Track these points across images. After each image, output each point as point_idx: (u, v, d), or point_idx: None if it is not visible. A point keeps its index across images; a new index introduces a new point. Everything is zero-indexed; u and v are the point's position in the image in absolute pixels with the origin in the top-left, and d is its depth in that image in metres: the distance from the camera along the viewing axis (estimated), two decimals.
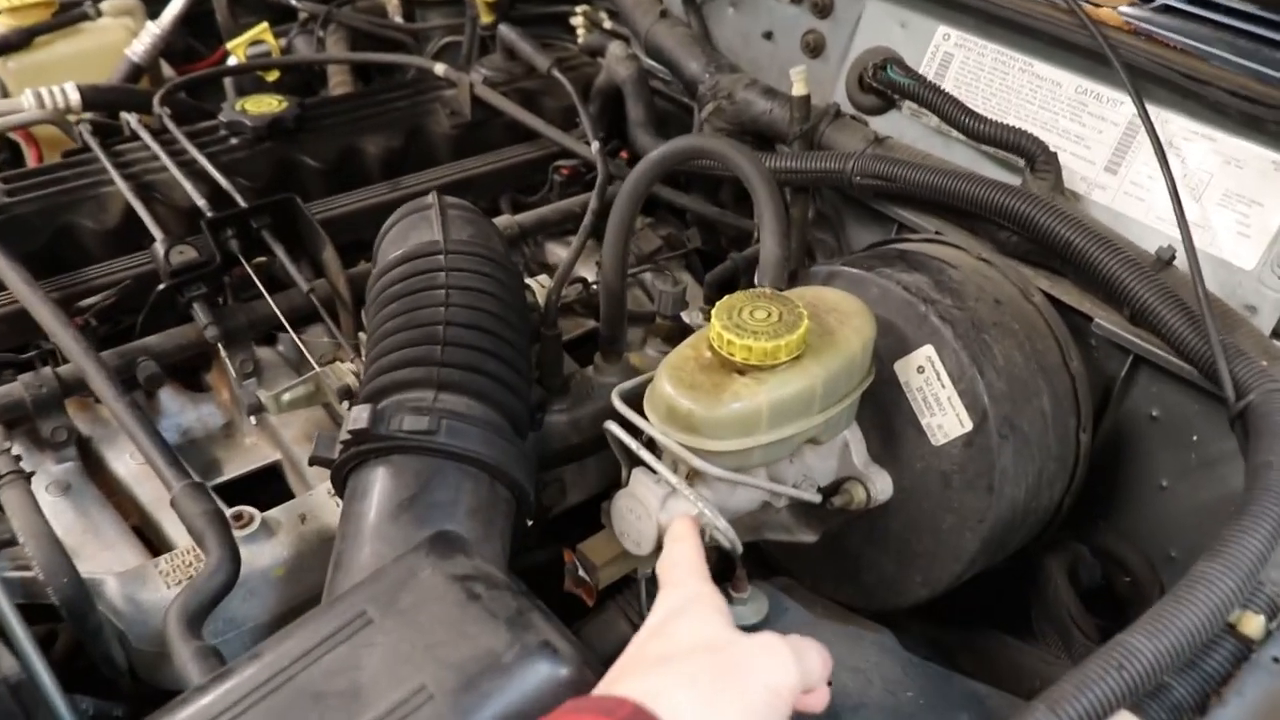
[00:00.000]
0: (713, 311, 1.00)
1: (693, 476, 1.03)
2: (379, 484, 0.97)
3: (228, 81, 1.95)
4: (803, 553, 1.21)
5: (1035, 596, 1.28)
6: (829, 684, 0.85)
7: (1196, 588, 0.85)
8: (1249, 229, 1.18)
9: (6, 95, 1.79)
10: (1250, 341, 1.11)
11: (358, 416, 0.96)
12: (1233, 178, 1.18)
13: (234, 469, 1.32)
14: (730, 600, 1.19)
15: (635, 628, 1.27)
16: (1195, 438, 1.20)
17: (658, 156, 1.25)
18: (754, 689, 0.72)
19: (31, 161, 1.75)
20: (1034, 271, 1.27)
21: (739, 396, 0.96)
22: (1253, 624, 0.88)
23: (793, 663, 0.75)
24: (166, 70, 1.99)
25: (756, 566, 1.36)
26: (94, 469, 1.27)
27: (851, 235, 1.51)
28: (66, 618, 1.05)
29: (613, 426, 1.04)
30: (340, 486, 1.03)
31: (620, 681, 0.73)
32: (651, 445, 1.04)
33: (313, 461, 1.02)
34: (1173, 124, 1.22)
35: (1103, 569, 1.32)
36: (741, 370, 0.98)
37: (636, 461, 1.05)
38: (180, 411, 1.36)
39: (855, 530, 1.20)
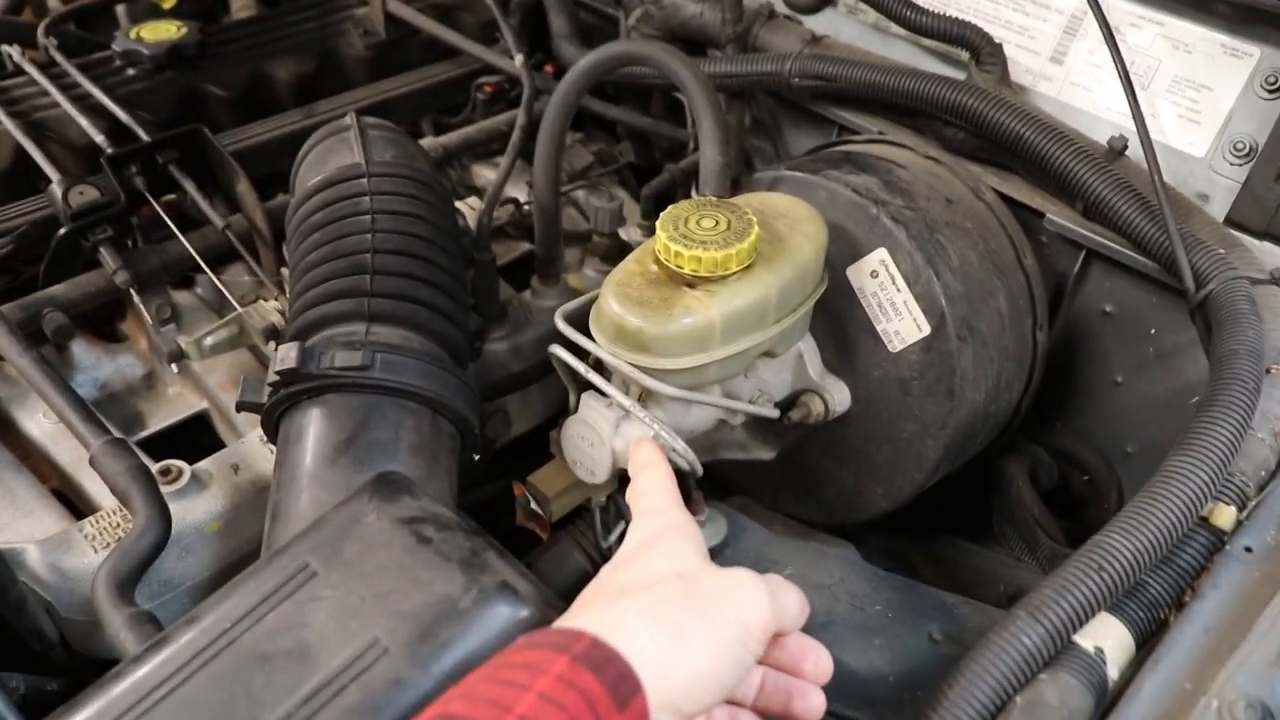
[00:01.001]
0: (658, 222, 0.94)
1: (645, 397, 0.98)
2: (313, 426, 0.91)
3: (120, 10, 1.82)
4: (759, 470, 1.18)
5: (997, 500, 1.26)
6: None
7: (1170, 482, 0.83)
8: (1199, 115, 1.15)
9: None
10: (1207, 230, 1.09)
11: (285, 356, 0.89)
12: (1181, 63, 1.15)
13: (158, 421, 1.25)
14: None
15: (590, 558, 1.25)
16: (1152, 331, 1.18)
17: (587, 64, 1.19)
18: (726, 623, 0.67)
19: None
20: (983, 169, 1.23)
21: (690, 310, 0.91)
22: (1224, 515, 0.87)
23: (767, 601, 0.70)
24: (52, 2, 1.86)
25: (711, 486, 1.33)
26: (5, 432, 1.18)
27: (790, 141, 1.45)
28: None
29: (558, 350, 0.98)
30: (272, 432, 0.96)
31: (581, 614, 0.69)
32: (599, 368, 0.99)
33: (240, 407, 0.95)
34: (1118, 10, 1.18)
35: (1059, 469, 1.31)
36: (691, 283, 0.93)
37: (585, 386, 1.00)
38: (96, 364, 1.28)
39: (813, 444, 1.17)
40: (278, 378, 0.90)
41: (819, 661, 0.74)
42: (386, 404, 0.91)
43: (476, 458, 1.01)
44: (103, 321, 1.33)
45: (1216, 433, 0.86)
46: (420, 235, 1.01)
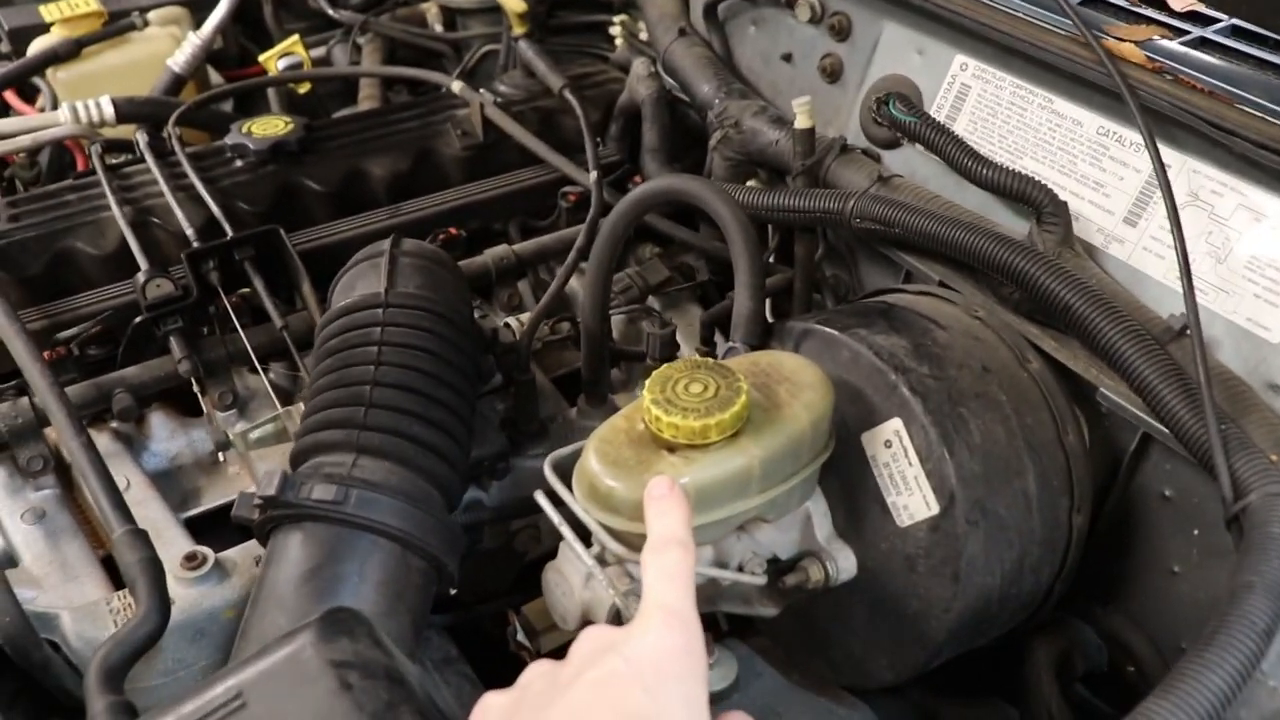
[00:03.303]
0: (647, 382, 0.94)
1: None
2: (290, 550, 0.95)
3: (271, 93, 1.96)
4: (775, 620, 1.15)
5: (1020, 683, 1.18)
6: None
7: None
8: (1277, 297, 1.05)
9: (56, 105, 1.83)
10: (1263, 430, 1.00)
11: (268, 482, 0.93)
12: (1263, 238, 1.06)
13: (213, 498, 1.32)
14: None
15: None
16: (1208, 524, 1.09)
17: (636, 197, 1.20)
18: None
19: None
20: (1040, 330, 1.16)
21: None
22: None
23: None
24: (215, 78, 2.01)
25: (738, 622, 1.30)
26: (72, 494, 1.28)
27: (864, 274, 1.41)
28: (10, 654, 1.07)
29: (540, 497, 0.99)
30: (265, 544, 1.01)
31: None
32: None
33: (234, 520, 1.00)
34: (1201, 175, 1.10)
35: (1110, 654, 1.21)
36: (672, 447, 0.92)
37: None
38: (171, 437, 1.36)
39: (823, 604, 1.13)
40: (261, 500, 0.94)
41: None
42: (359, 538, 0.94)
43: (454, 592, 1.02)
44: (189, 395, 1.42)
45: (1206, 679, 0.79)
46: (424, 370, 1.04)
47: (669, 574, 0.74)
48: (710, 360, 0.97)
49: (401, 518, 0.94)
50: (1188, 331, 1.06)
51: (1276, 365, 1.05)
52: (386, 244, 1.15)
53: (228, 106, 1.95)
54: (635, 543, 0.93)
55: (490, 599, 1.30)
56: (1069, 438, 1.09)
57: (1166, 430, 1.04)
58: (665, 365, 0.96)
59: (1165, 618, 1.16)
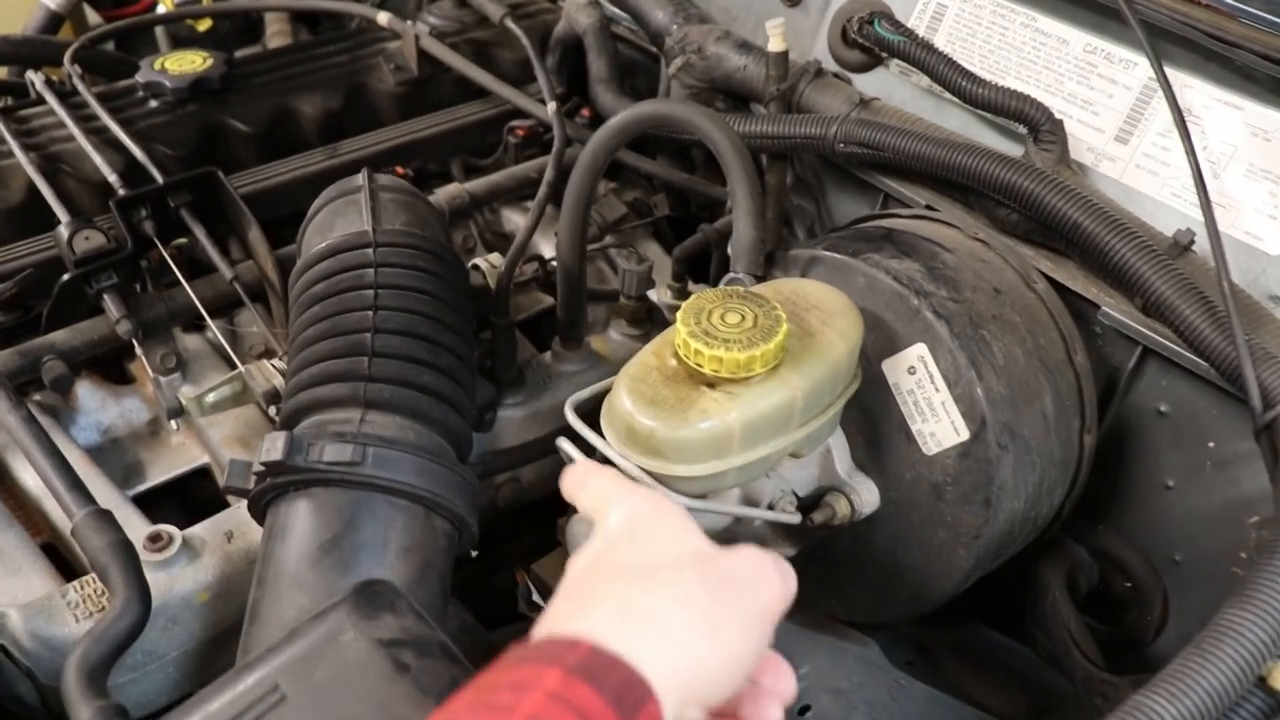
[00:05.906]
0: (679, 314, 0.88)
1: None
2: (299, 521, 0.86)
3: (159, 31, 1.79)
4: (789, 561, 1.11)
5: (1030, 607, 1.18)
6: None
7: (1224, 640, 0.76)
8: (1276, 209, 1.06)
9: None
10: (1278, 341, 1.00)
11: (272, 446, 0.84)
12: (1259, 151, 1.06)
13: (159, 473, 1.20)
14: None
15: None
16: (1207, 436, 1.10)
17: (618, 124, 1.13)
18: (748, 606, 0.59)
19: None
20: (1035, 252, 1.15)
21: (708, 414, 0.85)
22: None
23: (779, 580, 0.61)
24: (93, 17, 1.83)
25: None
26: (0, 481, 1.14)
27: (833, 203, 1.38)
28: None
29: (565, 444, 0.92)
30: (259, 518, 0.91)
31: (594, 603, 0.57)
32: (609, 464, 0.93)
33: (226, 491, 0.90)
34: (1193, 90, 1.09)
35: (1101, 571, 1.23)
36: (711, 383, 0.87)
37: None
38: (101, 407, 1.23)
39: (839, 540, 1.10)
40: (263, 467, 0.85)
41: (780, 674, 0.65)
42: (377, 501, 0.85)
43: (475, 554, 0.95)
44: (112, 361, 1.29)
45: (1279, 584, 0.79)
46: (426, 313, 0.95)
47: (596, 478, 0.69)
48: (739, 289, 0.91)
49: (424, 476, 0.86)
50: (1193, 247, 1.07)
51: (1276, 276, 1.06)
52: (361, 178, 1.05)
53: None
54: (677, 486, 0.88)
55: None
56: (1078, 357, 1.09)
57: (1176, 344, 1.04)
58: (694, 296, 0.90)
59: (1159, 532, 1.18)
